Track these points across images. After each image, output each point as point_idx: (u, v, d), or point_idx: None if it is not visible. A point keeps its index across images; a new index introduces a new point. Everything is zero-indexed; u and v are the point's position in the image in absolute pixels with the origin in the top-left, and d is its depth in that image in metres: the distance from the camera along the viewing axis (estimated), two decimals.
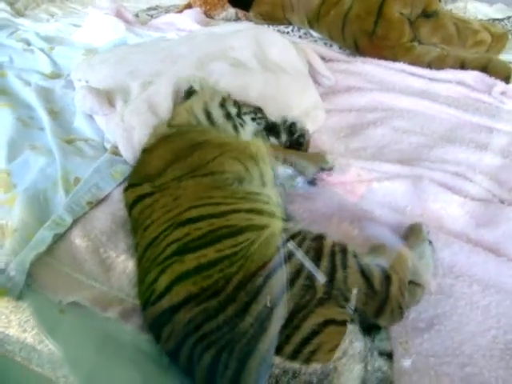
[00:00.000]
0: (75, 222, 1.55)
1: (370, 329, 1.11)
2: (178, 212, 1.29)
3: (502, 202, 1.59)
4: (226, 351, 1.01)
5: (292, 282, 1.08)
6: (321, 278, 1.09)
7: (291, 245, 1.16)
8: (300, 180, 1.60)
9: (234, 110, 1.68)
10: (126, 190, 1.55)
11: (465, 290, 1.32)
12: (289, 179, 1.59)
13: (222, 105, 1.68)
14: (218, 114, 1.66)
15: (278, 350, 1.00)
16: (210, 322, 1.05)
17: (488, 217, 1.51)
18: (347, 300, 1.10)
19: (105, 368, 1.21)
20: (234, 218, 1.27)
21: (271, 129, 1.72)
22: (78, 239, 1.51)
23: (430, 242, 1.37)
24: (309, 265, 1.11)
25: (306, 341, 1.01)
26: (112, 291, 1.38)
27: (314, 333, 1.02)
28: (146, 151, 1.61)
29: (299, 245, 1.16)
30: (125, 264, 1.44)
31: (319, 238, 1.19)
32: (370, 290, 1.12)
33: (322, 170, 1.66)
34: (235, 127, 1.66)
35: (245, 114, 1.70)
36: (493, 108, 2.12)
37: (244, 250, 1.16)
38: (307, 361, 0.99)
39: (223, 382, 1.01)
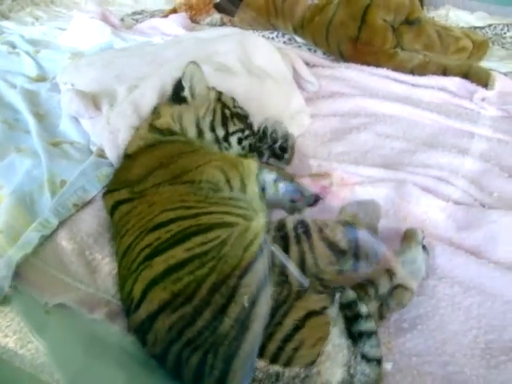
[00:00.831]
0: (61, 224, 1.56)
1: (360, 335, 1.11)
2: (149, 218, 1.30)
3: (483, 205, 1.62)
4: (211, 353, 1.02)
5: (265, 279, 1.09)
6: (304, 282, 1.11)
7: (268, 243, 1.17)
8: (283, 186, 1.60)
9: (221, 133, 1.66)
10: (104, 194, 1.55)
11: (447, 292, 1.34)
12: (272, 185, 1.60)
13: (213, 128, 1.66)
14: (208, 136, 1.65)
15: (262, 349, 1.02)
16: (190, 328, 1.06)
17: (469, 220, 1.53)
18: (322, 282, 1.13)
19: (91, 369, 1.22)
20: (204, 218, 1.26)
21: (256, 150, 1.73)
22: (64, 241, 1.51)
23: (425, 247, 1.39)
24: (291, 267, 1.13)
25: (289, 337, 1.03)
26: (98, 293, 1.39)
27: (296, 328, 1.04)
28: (129, 157, 1.61)
29: (266, 238, 1.17)
30: (111, 266, 1.45)
31: (282, 226, 1.20)
32: (340, 256, 1.17)
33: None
34: (221, 150, 1.66)
35: (232, 134, 1.68)
36: (474, 114, 2.15)
37: (215, 249, 1.15)
38: (291, 359, 1.01)
39: (211, 383, 1.02)
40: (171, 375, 1.13)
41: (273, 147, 1.77)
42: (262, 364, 1.01)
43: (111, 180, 1.61)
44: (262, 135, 1.78)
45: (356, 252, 1.20)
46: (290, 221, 1.22)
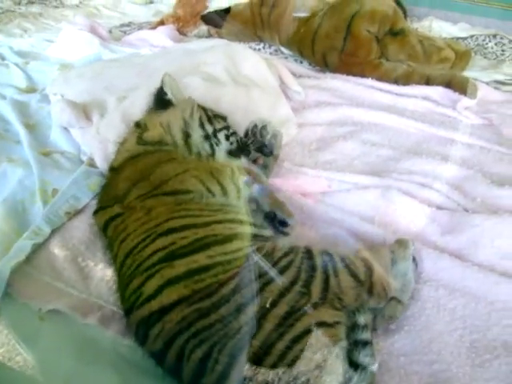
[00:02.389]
0: (54, 232, 1.57)
1: (356, 343, 1.16)
2: (155, 223, 1.33)
3: (466, 210, 1.66)
4: (218, 347, 1.06)
5: (288, 289, 1.16)
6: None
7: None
8: (256, 187, 1.62)
9: (210, 129, 1.69)
10: (95, 212, 1.55)
11: (432, 294, 1.38)
12: (245, 187, 1.62)
13: (202, 124, 1.69)
14: (197, 134, 1.67)
15: (271, 347, 1.07)
16: (202, 320, 1.11)
17: (453, 224, 1.57)
18: (341, 301, 1.19)
19: (85, 373, 1.23)
20: (217, 228, 1.33)
21: (242, 148, 1.74)
22: (56, 249, 1.53)
23: (414, 259, 1.42)
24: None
25: (298, 339, 1.08)
26: (91, 298, 1.41)
27: (306, 332, 1.09)
28: (114, 171, 1.61)
29: (293, 260, 1.24)
30: (103, 272, 1.46)
31: (308, 252, 1.27)
32: (358, 284, 1.22)
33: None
34: (211, 146, 1.67)
35: (220, 130, 1.70)
36: (457, 122, 2.20)
37: (239, 260, 1.23)
38: (297, 358, 1.06)
39: (212, 377, 1.06)
40: (168, 372, 1.15)
41: (262, 143, 1.80)
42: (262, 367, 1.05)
43: (100, 197, 1.61)
44: (252, 131, 1.81)
45: (370, 286, 1.25)
46: (316, 249, 1.29)
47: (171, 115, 1.69)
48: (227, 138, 1.71)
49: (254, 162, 1.76)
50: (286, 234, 1.52)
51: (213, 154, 1.67)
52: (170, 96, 1.71)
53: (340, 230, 1.60)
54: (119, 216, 1.43)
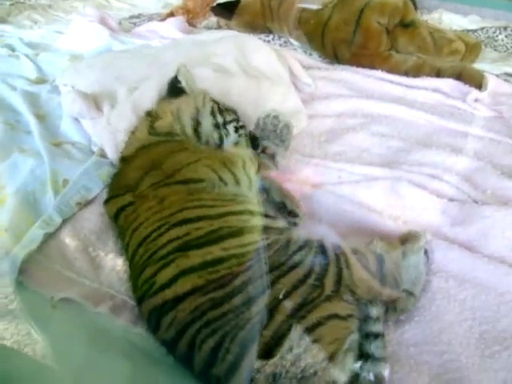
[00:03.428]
0: (65, 222, 1.59)
1: (367, 335, 1.16)
2: (169, 213, 1.34)
3: (476, 202, 1.65)
4: (229, 337, 1.07)
5: (302, 281, 1.17)
6: None
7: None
8: (265, 178, 1.64)
9: (220, 119, 1.70)
10: (106, 201, 1.55)
11: (442, 285, 1.38)
12: (256, 177, 1.63)
13: (213, 113, 1.70)
14: (207, 122, 1.67)
15: (283, 338, 1.06)
16: (215, 310, 1.11)
17: (463, 216, 1.57)
18: (354, 294, 1.20)
19: (96, 361, 1.24)
20: (230, 219, 1.33)
21: (251, 140, 1.75)
22: (67, 238, 1.54)
23: (426, 252, 1.42)
24: None
25: (310, 330, 1.08)
26: (102, 287, 1.42)
27: (318, 324, 1.10)
28: (125, 161, 1.61)
29: (308, 253, 1.25)
30: (114, 262, 1.48)
31: (322, 245, 1.28)
32: (370, 277, 1.24)
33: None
34: (220, 136, 1.68)
35: (229, 122, 1.71)
36: (467, 114, 2.19)
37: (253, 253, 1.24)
38: (309, 350, 1.06)
39: (223, 367, 1.06)
40: (179, 360, 1.17)
41: (273, 132, 1.80)
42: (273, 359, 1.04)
43: (111, 186, 1.61)
44: (263, 121, 1.81)
45: (382, 278, 1.27)
46: (329, 243, 1.30)
47: (183, 103, 1.69)
48: (236, 130, 1.71)
49: (263, 151, 1.76)
50: (294, 224, 1.53)
51: (221, 144, 1.67)
52: (183, 84, 1.72)
53: (350, 222, 1.60)
54: (131, 205, 1.43)
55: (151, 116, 1.69)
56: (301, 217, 1.55)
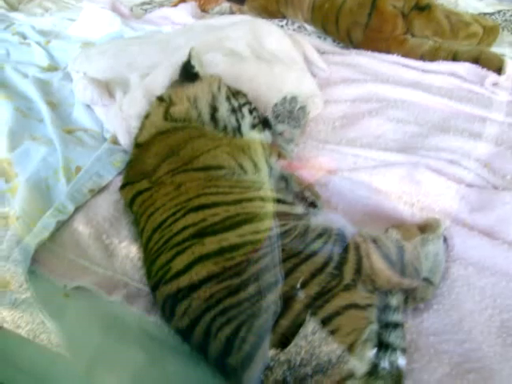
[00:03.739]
0: (78, 209, 1.59)
1: (387, 325, 1.15)
2: (185, 198, 1.33)
3: (495, 187, 1.62)
4: (246, 326, 1.06)
5: (320, 270, 1.14)
6: None
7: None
8: (284, 166, 1.64)
9: (235, 103, 1.70)
10: (122, 187, 1.55)
11: (461, 272, 1.36)
12: (275, 165, 1.63)
13: (229, 98, 1.70)
14: (224, 108, 1.67)
15: (299, 327, 1.04)
16: (231, 298, 1.10)
17: (482, 202, 1.54)
18: (374, 283, 1.17)
19: (110, 350, 1.24)
20: (247, 206, 1.32)
21: (265, 122, 1.74)
22: (80, 226, 1.54)
23: (445, 240, 1.40)
24: None
25: (328, 320, 1.06)
26: (116, 275, 1.42)
27: (336, 314, 1.08)
28: (141, 147, 1.61)
29: (327, 241, 1.22)
30: (128, 249, 1.47)
31: (341, 234, 1.25)
32: (390, 266, 1.20)
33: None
34: (237, 120, 1.68)
35: (243, 105, 1.72)
36: (485, 99, 2.14)
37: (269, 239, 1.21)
38: (326, 339, 1.04)
39: (239, 356, 1.05)
40: (194, 349, 1.15)
41: (290, 114, 1.79)
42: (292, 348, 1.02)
43: (127, 172, 1.61)
44: (281, 104, 1.81)
45: (402, 267, 1.24)
46: (349, 231, 1.27)
47: (198, 89, 1.69)
48: (251, 112, 1.72)
49: (280, 134, 1.75)
50: (314, 214, 1.50)
51: (239, 127, 1.67)
52: (197, 69, 1.72)
53: (366, 208, 1.58)
54: (147, 191, 1.42)
55: (165, 101, 1.68)
56: (320, 207, 1.54)
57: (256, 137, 1.65)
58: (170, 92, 1.71)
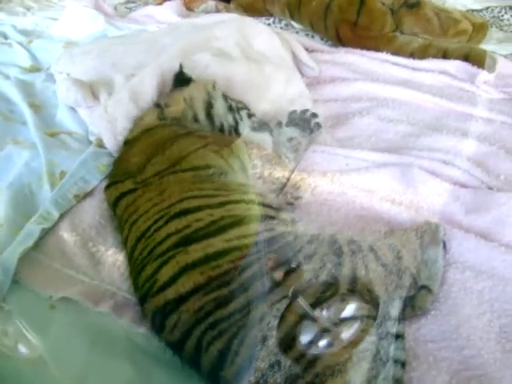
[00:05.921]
0: (63, 216, 1.53)
1: (387, 336, 1.11)
2: (168, 204, 1.29)
3: (490, 188, 1.60)
4: (238, 338, 1.02)
5: (313, 278, 1.11)
6: None
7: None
8: None
9: (233, 103, 1.69)
10: (107, 187, 1.52)
11: (458, 277, 1.32)
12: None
13: (225, 97, 1.69)
14: (220, 105, 1.66)
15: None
16: (221, 310, 1.06)
17: (478, 203, 1.51)
18: (371, 292, 1.13)
19: (98, 363, 1.20)
20: (233, 208, 1.28)
21: (263, 126, 1.71)
22: (66, 233, 1.49)
23: (445, 245, 1.37)
24: None
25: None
26: (103, 285, 1.37)
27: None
28: (128, 144, 1.59)
29: (317, 248, 1.18)
30: (115, 257, 1.42)
31: (334, 240, 1.21)
32: (387, 274, 1.17)
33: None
34: (235, 120, 1.66)
35: (242, 109, 1.70)
36: (476, 96, 2.14)
37: (259, 244, 1.18)
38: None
39: (233, 370, 1.02)
40: (186, 362, 1.11)
41: (308, 124, 1.81)
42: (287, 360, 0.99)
43: (112, 172, 1.58)
44: (302, 112, 1.82)
45: (399, 275, 1.20)
46: (343, 237, 1.23)
47: (194, 89, 1.69)
48: (249, 116, 1.70)
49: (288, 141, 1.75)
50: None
51: (236, 127, 1.66)
52: (190, 74, 1.72)
53: (359, 211, 1.55)
54: (131, 192, 1.39)
55: (159, 106, 1.68)
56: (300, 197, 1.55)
57: (254, 139, 1.62)
58: (166, 98, 1.71)
